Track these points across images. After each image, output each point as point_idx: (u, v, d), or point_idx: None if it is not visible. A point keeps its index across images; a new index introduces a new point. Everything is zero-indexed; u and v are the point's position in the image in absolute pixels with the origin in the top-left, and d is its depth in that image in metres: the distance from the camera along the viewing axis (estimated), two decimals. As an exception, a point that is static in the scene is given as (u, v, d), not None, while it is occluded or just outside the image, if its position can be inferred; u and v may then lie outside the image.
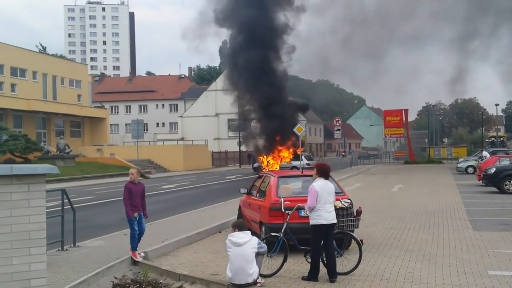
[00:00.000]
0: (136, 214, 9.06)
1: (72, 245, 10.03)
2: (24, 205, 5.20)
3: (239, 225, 7.67)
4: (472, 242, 10.50)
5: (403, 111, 58.97)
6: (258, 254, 7.36)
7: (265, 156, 41.46)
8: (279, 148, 39.95)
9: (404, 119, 58.46)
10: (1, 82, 47.13)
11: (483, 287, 7.28)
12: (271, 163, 39.92)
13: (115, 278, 8.17)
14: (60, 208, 9.93)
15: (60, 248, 9.66)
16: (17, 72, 49.44)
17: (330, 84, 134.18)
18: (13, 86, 48.65)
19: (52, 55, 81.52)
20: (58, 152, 41.62)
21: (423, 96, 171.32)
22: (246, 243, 7.26)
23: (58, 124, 52.95)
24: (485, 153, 36.58)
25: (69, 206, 10.05)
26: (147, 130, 76.67)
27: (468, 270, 8.22)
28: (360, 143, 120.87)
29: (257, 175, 12.94)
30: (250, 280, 7.20)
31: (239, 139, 58.33)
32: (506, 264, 8.53)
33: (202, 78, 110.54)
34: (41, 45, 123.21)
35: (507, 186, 20.81)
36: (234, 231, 7.52)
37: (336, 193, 8.58)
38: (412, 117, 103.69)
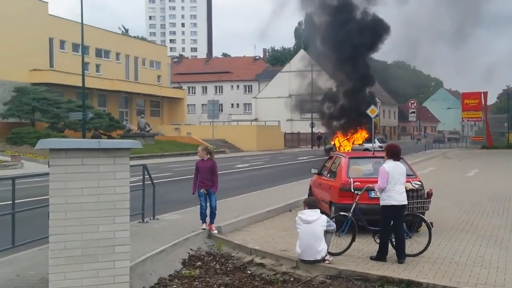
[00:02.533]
0: (203, 190, 9.47)
1: (151, 217, 10.64)
2: (110, 176, 5.66)
3: (310, 202, 7.87)
4: (550, 230, 10.11)
5: (482, 94, 56.22)
6: (326, 232, 7.54)
7: (337, 138, 41.30)
8: (353, 130, 39.67)
9: (483, 102, 55.80)
10: (87, 63, 49.67)
11: (558, 275, 7.07)
12: (343, 144, 39.71)
13: (191, 249, 8.68)
14: (141, 183, 10.52)
15: (140, 220, 10.29)
16: (101, 54, 51.84)
17: (406, 65, 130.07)
18: (97, 66, 51.12)
19: (134, 37, 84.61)
20: (139, 130, 43.50)
21: (503, 78, 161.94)
22: (315, 221, 7.46)
23: (139, 103, 55.21)
24: None
25: (150, 181, 10.64)
26: (222, 110, 78.17)
27: (543, 257, 7.98)
28: (436, 127, 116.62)
29: (328, 156, 13.05)
30: (318, 257, 7.41)
31: (311, 120, 58.25)
32: None
33: (276, 60, 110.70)
34: (123, 27, 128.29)
35: None
36: (305, 209, 7.73)
37: (408, 175, 8.56)
38: (491, 100, 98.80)
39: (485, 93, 56.66)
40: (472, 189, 17.03)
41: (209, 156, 9.63)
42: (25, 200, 11.07)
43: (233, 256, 8.55)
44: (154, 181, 10.89)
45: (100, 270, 5.59)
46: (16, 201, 7.39)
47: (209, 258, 8.52)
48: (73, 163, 5.53)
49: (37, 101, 36.98)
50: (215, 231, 9.51)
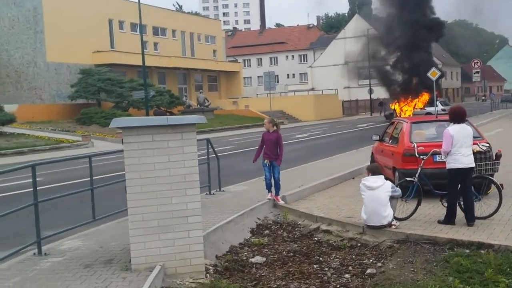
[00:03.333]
0: (266, 161, 9.63)
1: (218, 189, 10.96)
2: (179, 151, 5.92)
3: (373, 169, 7.87)
4: None
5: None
6: (392, 198, 7.54)
7: (398, 103, 40.46)
8: (414, 93, 38.75)
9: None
10: (145, 41, 50.76)
11: None
12: (404, 109, 38.86)
13: (258, 218, 8.92)
14: (206, 156, 10.81)
15: (207, 193, 10.61)
16: (158, 31, 52.72)
17: (468, 24, 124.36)
18: (155, 44, 52.07)
19: (188, 13, 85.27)
20: (198, 105, 44.26)
21: None
22: (380, 187, 7.46)
23: (197, 79, 56.01)
24: None
25: (214, 155, 10.93)
26: (278, 81, 77.89)
27: None
28: (502, 86, 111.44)
29: (389, 122, 12.88)
30: (384, 222, 7.45)
31: (370, 87, 57.12)
32: None
33: (331, 27, 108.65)
34: (177, 3, 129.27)
35: None
36: (368, 175, 7.75)
37: (474, 137, 8.35)
38: None
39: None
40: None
41: (275, 128, 9.75)
42: (101, 176, 11.65)
43: (299, 224, 8.72)
44: (217, 154, 11.16)
45: (176, 240, 5.92)
46: (94, 178, 7.85)
47: (276, 227, 8.73)
48: (145, 140, 5.82)
49: (102, 81, 38.33)
50: (282, 202, 9.69)
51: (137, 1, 33.03)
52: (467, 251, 6.47)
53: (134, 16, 37.05)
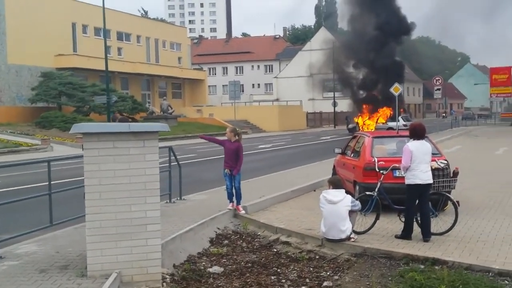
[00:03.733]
0: (227, 170, 9.62)
1: (178, 198, 10.86)
2: (140, 159, 5.86)
3: (335, 182, 7.94)
4: None
5: (512, 68, 55.22)
6: (351, 212, 7.62)
7: (361, 117, 41.14)
8: (377, 108, 39.47)
9: (512, 78, 54.80)
10: (108, 46, 50.07)
11: None
12: (367, 123, 39.52)
13: (218, 228, 8.86)
14: (167, 164, 10.71)
15: (168, 201, 10.50)
16: (122, 37, 52.15)
17: (431, 41, 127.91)
18: (119, 50, 51.46)
19: (153, 19, 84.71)
20: (161, 112, 43.88)
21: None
22: (340, 201, 7.53)
23: (161, 86, 55.59)
24: None
25: (175, 163, 10.83)
26: (243, 91, 78.19)
27: None
28: (462, 104, 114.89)
29: (351, 136, 13.06)
30: (343, 236, 7.52)
31: (334, 99, 57.92)
32: None
33: (297, 38, 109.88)
34: (142, 9, 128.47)
35: None
36: (329, 188, 7.81)
37: (433, 154, 8.54)
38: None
39: (515, 68, 55.67)
40: (500, 168, 16.86)
41: (236, 138, 9.74)
42: (59, 181, 11.37)
43: (259, 234, 8.71)
44: (179, 162, 11.07)
45: (134, 248, 5.85)
46: (52, 182, 7.71)
47: (236, 237, 8.70)
48: (105, 146, 5.75)
49: (63, 85, 37.65)
50: (242, 212, 9.66)
51: (101, 5, 32.62)
52: (422, 266, 6.59)
53: (98, 20, 36.63)
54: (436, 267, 6.50)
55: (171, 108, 44.70)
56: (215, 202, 10.43)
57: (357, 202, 7.77)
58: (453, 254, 6.98)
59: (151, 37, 55.67)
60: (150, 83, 54.19)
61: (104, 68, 33.09)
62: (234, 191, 9.67)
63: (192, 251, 7.66)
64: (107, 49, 33.95)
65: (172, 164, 10.76)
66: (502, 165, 17.85)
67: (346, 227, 7.51)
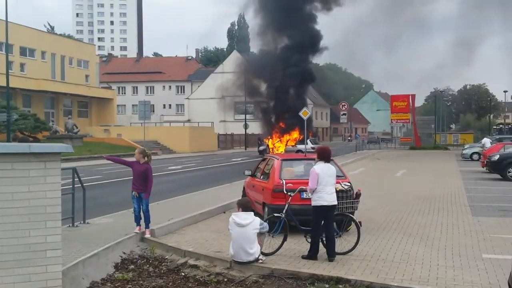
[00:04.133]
0: (135, 193, 9.39)
1: (82, 221, 10.40)
2: (41, 181, 5.54)
3: (244, 204, 7.98)
4: (470, 227, 10.80)
5: (410, 96, 58.92)
6: (260, 234, 7.69)
7: (271, 140, 41.89)
8: (287, 132, 40.41)
9: (411, 105, 58.43)
10: (10, 61, 47.51)
11: (476, 269, 7.59)
12: (276, 146, 40.30)
13: (124, 253, 8.57)
14: (70, 186, 10.25)
15: (70, 225, 10.03)
16: (26, 52, 49.77)
17: (337, 67, 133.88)
18: (22, 65, 49.03)
19: (60, 35, 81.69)
20: (66, 132, 42.10)
21: (431, 81, 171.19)
22: (249, 224, 7.58)
23: (66, 104, 53.43)
24: (484, 140, 36.73)
25: (79, 185, 10.39)
26: (153, 111, 77.00)
27: (463, 252, 8.53)
28: (366, 128, 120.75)
29: (261, 158, 13.25)
30: (251, 259, 7.55)
31: (245, 122, 58.66)
32: (501, 248, 8.82)
33: (209, 60, 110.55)
34: (49, 24, 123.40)
35: (510, 173, 21.03)
36: (239, 210, 7.84)
37: (337, 176, 8.89)
38: (419, 102, 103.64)
39: (413, 96, 59.39)
40: (399, 189, 17.83)
41: (145, 159, 9.52)
42: None
43: (166, 258, 8.53)
44: (84, 184, 10.64)
45: (32, 275, 5.49)
46: None
47: (142, 261, 8.45)
48: (3, 168, 5.38)
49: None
50: (148, 235, 9.41)
51: (4, 19, 30.97)
52: (327, 286, 6.78)
53: (0, 34, 34.65)
54: (340, 286, 6.71)
55: (77, 128, 43.01)
56: (121, 225, 10.10)
57: (265, 224, 7.85)
58: (356, 273, 7.24)
59: (57, 53, 53.59)
60: (55, 101, 51.93)
61: (5, 84, 31.26)
62: (142, 214, 9.42)
63: (95, 277, 7.34)
64: (8, 64, 32.16)
65: (76, 186, 10.32)
66: (401, 186, 18.89)
67: (254, 250, 7.55)
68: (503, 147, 27.11)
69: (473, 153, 36.47)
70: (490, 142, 33.62)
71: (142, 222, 9.48)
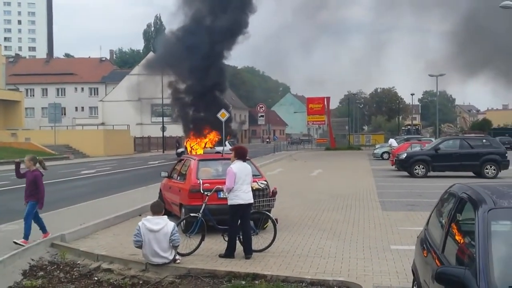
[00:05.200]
0: (25, 203, 8.99)
1: (-15, 229, 9.77)
2: None
3: (154, 209, 7.64)
4: (379, 221, 11.29)
5: (325, 98, 60.65)
6: (173, 246, 7.41)
7: (189, 142, 41.53)
8: (206, 133, 40.19)
9: (326, 107, 60.18)
10: None
11: (384, 259, 7.95)
12: (195, 148, 40.03)
13: (32, 259, 8.14)
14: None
15: (-28, 232, 9.39)
16: None
17: (255, 70, 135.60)
18: None
19: (-39, 33, 76.46)
20: (-32, 136, 39.38)
21: (346, 85, 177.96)
22: (161, 230, 7.29)
23: (-32, 106, 50.01)
24: (391, 141, 38.88)
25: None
26: (65, 114, 73.96)
27: (373, 245, 8.90)
28: (284, 130, 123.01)
29: (178, 159, 13.09)
30: (166, 261, 7.40)
31: (163, 124, 57.80)
32: (408, 239, 9.27)
33: (125, 62, 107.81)
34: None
35: (417, 171, 22.21)
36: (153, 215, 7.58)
37: (254, 175, 8.97)
38: (334, 105, 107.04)
39: (328, 98, 61.20)
40: (315, 188, 18.29)
41: (36, 166, 9.09)
42: None
43: (78, 263, 8.20)
44: (-13, 190, 10.01)
45: None
46: None
47: (52, 267, 8.07)
48: None
49: None
50: (22, 244, 8.72)
51: None
52: (243, 282, 6.80)
53: None
54: (256, 282, 6.77)
55: (-19, 132, 40.37)
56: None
57: (177, 236, 7.42)
58: (272, 268, 7.34)
59: (-43, 53, 50.04)
60: (-44, 103, 48.50)
61: None
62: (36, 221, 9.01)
63: (1, 286, 6.93)
64: None
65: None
66: (316, 185, 19.40)
67: (168, 253, 7.35)
68: (410, 146, 28.72)
69: (383, 152, 38.19)
70: (396, 142, 35.96)
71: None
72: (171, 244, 7.33)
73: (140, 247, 7.38)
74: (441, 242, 4.34)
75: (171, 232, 7.31)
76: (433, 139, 37.40)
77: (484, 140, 23.67)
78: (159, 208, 7.74)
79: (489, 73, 60.12)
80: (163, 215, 7.58)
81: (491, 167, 21.57)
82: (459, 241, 4.12)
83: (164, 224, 7.37)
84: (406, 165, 22.77)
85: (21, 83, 79.49)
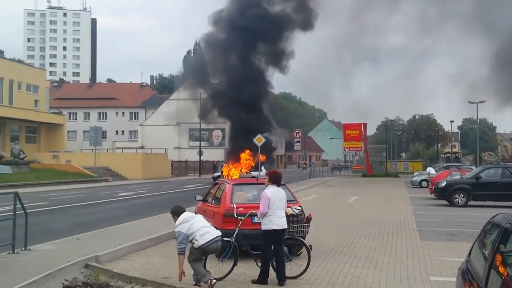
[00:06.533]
0: None
1: (23, 248, 9.90)
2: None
3: (175, 211, 8.05)
4: (417, 251, 10.93)
5: (362, 125, 60.16)
6: (178, 254, 7.60)
7: (226, 166, 41.63)
8: (244, 158, 40.18)
9: (363, 133, 59.64)
10: (-46, 84, 46.00)
11: (423, 291, 7.64)
12: (231, 172, 40.06)
13: (66, 280, 8.16)
14: (12, 212, 9.80)
15: (11, 251, 9.54)
16: (-29, 76, 48.09)
17: (292, 96, 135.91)
18: (-34, 89, 47.29)
19: (10, 59, 79.58)
20: (12, 157, 40.61)
21: (383, 111, 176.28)
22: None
23: (13, 129, 51.68)
24: (429, 169, 38.07)
25: (22, 211, 9.94)
26: (105, 137, 75.71)
27: (411, 275, 8.59)
28: (320, 156, 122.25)
29: (214, 183, 13.08)
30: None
31: (200, 148, 58.37)
32: (447, 271, 8.93)
33: (164, 87, 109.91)
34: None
35: (457, 199, 21.58)
36: (174, 219, 7.89)
37: (289, 200, 8.85)
38: (371, 131, 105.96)
39: (365, 124, 60.71)
40: (351, 215, 17.96)
41: None
42: None
43: (111, 285, 8.17)
44: (27, 211, 10.19)
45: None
46: None
47: (86, 289, 8.08)
48: None
49: None
50: None
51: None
52: (276, 310, 6.63)
53: None
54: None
55: (23, 153, 41.54)
56: (64, 252, 9.68)
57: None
58: (306, 297, 7.14)
59: (5, 77, 51.96)
60: (1, 126, 50.16)
61: None
62: None
63: (34, 306, 6.96)
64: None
65: (18, 212, 9.85)
66: (352, 212, 19.06)
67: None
68: (450, 174, 27.99)
69: (422, 180, 37.39)
70: (435, 170, 35.28)
71: None
72: (178, 248, 7.62)
73: (183, 253, 7.57)
74: (484, 274, 4.13)
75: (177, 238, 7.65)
76: (473, 167, 36.41)
77: (526, 169, 22.84)
78: (179, 209, 8.14)
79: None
80: None
81: (534, 197, 20.76)
82: (503, 273, 3.91)
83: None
84: (445, 194, 22.17)
85: (64, 107, 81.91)
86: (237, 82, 37.27)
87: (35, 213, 16.97)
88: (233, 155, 40.60)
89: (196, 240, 7.47)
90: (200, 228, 7.58)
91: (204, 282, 7.48)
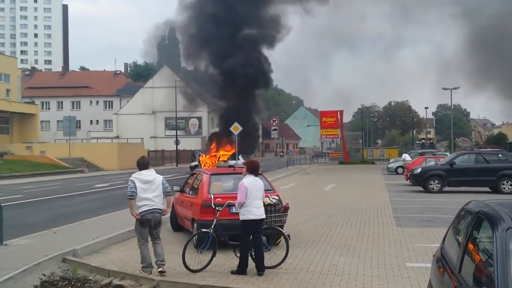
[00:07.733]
0: None
1: (-2, 243, 9.77)
2: None
3: (140, 164, 8.30)
4: (394, 237, 11.11)
5: (339, 112, 60.49)
6: (165, 194, 8.06)
7: (204, 155, 41.48)
8: (222, 147, 40.08)
9: (339, 120, 59.99)
10: None
11: (400, 277, 7.79)
12: (208, 162, 39.95)
13: (43, 275, 8.09)
14: (-14, 205, 9.63)
15: (-15, 247, 9.40)
16: None
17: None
18: None
19: (-21, 47, 77.71)
20: (-16, 149, 39.85)
21: (361, 98, 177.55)
22: (154, 180, 8.03)
23: (-16, 120, 50.67)
24: (404, 156, 38.60)
25: (-4, 204, 9.78)
26: (80, 127, 74.61)
27: (388, 262, 8.74)
28: (297, 144, 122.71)
29: (191, 173, 13.04)
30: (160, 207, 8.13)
31: (176, 138, 58.02)
32: (423, 256, 9.09)
33: (139, 75, 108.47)
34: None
35: (432, 186, 21.93)
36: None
37: (266, 190, 8.89)
38: (347, 118, 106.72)
39: (341, 112, 61.03)
40: (328, 203, 18.11)
41: None
42: None
43: (90, 279, 8.14)
44: (1, 204, 10.02)
45: None
46: None
47: (64, 283, 8.00)
48: None
49: None
50: None
51: None
52: (256, 300, 6.69)
53: None
54: (269, 301, 6.64)
55: (-3, 145, 40.82)
56: (41, 247, 9.57)
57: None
58: (285, 285, 7.23)
59: (-26, 66, 50.82)
60: (-28, 116, 49.14)
61: None
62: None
63: (11, 302, 6.88)
64: None
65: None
66: (329, 200, 19.23)
67: (160, 203, 8.11)
68: (425, 161, 28.43)
69: (398, 166, 37.90)
70: (410, 156, 35.81)
71: None
72: (164, 191, 8.03)
73: (133, 198, 7.93)
74: (458, 260, 4.22)
75: (162, 182, 8.09)
76: (448, 153, 37.03)
77: (500, 155, 23.30)
78: (144, 162, 8.37)
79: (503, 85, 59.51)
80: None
81: (507, 182, 21.23)
82: (476, 260, 4.01)
83: (155, 175, 8.10)
84: (421, 180, 22.51)
85: (37, 96, 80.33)
86: (231, 65, 36.79)
87: (10, 206, 16.71)
88: (225, 137, 40.10)
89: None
90: (141, 198, 7.94)
91: (144, 272, 7.80)
